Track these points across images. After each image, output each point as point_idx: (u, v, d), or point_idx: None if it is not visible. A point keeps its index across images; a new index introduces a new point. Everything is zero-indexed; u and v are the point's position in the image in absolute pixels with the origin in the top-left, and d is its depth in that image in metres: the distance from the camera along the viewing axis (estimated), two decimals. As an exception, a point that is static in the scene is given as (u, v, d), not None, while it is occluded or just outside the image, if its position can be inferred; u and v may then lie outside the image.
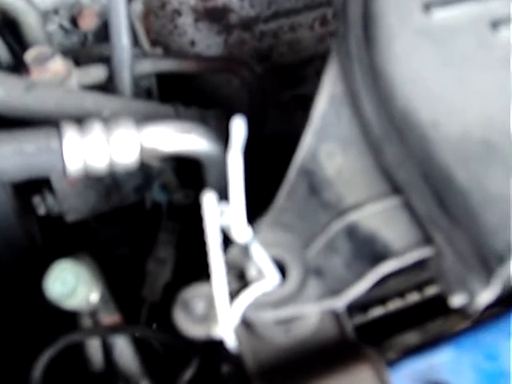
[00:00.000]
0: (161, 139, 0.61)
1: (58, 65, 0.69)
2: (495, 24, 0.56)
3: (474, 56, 0.55)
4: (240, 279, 0.52)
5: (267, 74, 0.92)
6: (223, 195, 0.69)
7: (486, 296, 0.49)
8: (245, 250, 0.52)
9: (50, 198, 0.78)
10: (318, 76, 0.93)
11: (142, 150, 0.61)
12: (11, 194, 0.72)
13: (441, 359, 0.49)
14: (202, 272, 0.63)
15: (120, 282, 0.72)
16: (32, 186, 0.79)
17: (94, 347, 0.66)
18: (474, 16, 0.56)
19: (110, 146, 0.59)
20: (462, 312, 0.52)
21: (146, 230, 0.76)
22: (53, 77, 0.69)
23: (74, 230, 0.86)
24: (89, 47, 0.84)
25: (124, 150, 0.60)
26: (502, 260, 0.46)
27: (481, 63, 0.55)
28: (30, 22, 0.72)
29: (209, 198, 0.44)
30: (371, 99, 0.54)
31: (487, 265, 0.47)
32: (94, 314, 0.65)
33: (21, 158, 0.58)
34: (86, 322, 0.67)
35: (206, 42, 0.90)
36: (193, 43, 0.90)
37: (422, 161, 0.51)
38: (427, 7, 0.55)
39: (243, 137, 0.45)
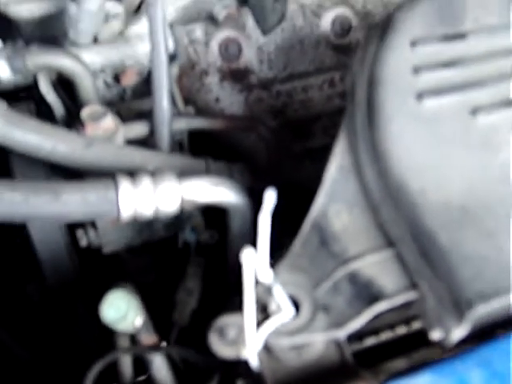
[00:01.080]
0: (197, 192, 0.74)
1: (109, 122, 0.82)
2: (474, 111, 0.70)
3: (457, 138, 0.68)
4: (263, 312, 0.64)
5: (281, 128, 1.05)
6: (244, 238, 0.82)
7: (459, 333, 0.61)
8: (267, 288, 0.65)
9: (91, 233, 0.90)
10: (325, 131, 1.07)
11: (182, 200, 0.74)
12: (64, 231, 0.84)
13: (422, 382, 0.62)
14: (223, 300, 0.75)
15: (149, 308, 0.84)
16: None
17: (127, 364, 0.79)
18: (458, 104, 0.70)
19: (156, 196, 0.72)
20: (440, 344, 0.64)
21: (175, 264, 0.89)
22: (104, 133, 0.82)
23: (106, 261, 0.98)
24: (129, 102, 0.97)
25: (167, 201, 0.72)
26: (471, 305, 0.59)
27: (462, 143, 0.68)
28: (86, 83, 0.85)
29: (248, 253, 0.56)
30: (372, 170, 0.67)
31: (460, 308, 0.60)
32: (132, 335, 0.77)
33: (83, 205, 0.70)
34: (123, 342, 0.80)
35: (229, 99, 1.03)
36: (217, 100, 1.03)
37: (411, 221, 0.64)
38: (420, 96, 0.69)
39: (273, 203, 0.57)
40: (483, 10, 0.75)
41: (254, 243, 0.75)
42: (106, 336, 0.85)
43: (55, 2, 0.82)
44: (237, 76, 1.04)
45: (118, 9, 0.82)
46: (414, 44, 0.70)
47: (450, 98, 0.69)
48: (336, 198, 0.69)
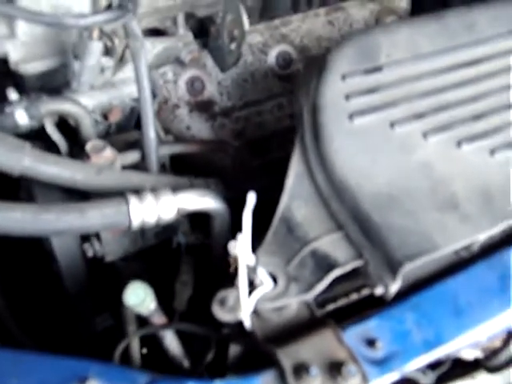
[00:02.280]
0: (189, 202, 0.95)
1: (109, 153, 1.02)
2: (392, 124, 0.94)
3: (381, 145, 0.92)
4: (250, 286, 0.85)
5: (242, 147, 1.27)
6: (225, 236, 1.03)
7: (395, 286, 0.84)
8: (252, 268, 0.86)
9: (96, 244, 1.10)
10: (279, 147, 1.30)
11: (178, 209, 0.95)
12: (79, 243, 1.04)
13: (371, 324, 0.84)
14: (212, 286, 0.95)
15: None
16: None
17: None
18: (380, 120, 0.93)
19: (158, 208, 0.93)
20: (382, 297, 0.87)
21: (168, 265, 1.09)
22: (105, 161, 1.02)
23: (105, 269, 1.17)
24: (115, 135, 1.17)
25: (167, 210, 0.93)
26: (401, 264, 0.82)
27: (385, 149, 0.92)
28: (86, 123, 1.05)
29: (239, 243, 0.77)
30: (320, 174, 0.90)
31: (393, 268, 0.83)
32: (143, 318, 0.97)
33: (101, 218, 0.90)
34: (132, 326, 0.99)
35: (198, 126, 1.25)
36: (188, 128, 1.24)
37: (352, 209, 0.87)
38: (351, 117, 0.92)
39: (253, 202, 0.79)
40: (394, 48, 1.00)
41: (232, 239, 0.97)
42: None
43: (55, 60, 1.02)
44: (202, 107, 1.26)
45: (109, 62, 1.02)
46: (343, 77, 0.94)
47: (373, 116, 0.93)
48: (296, 196, 0.91)
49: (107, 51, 1.02)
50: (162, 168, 1.13)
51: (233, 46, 1.18)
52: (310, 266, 0.86)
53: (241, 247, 0.77)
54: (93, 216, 0.89)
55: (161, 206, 0.93)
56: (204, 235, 1.09)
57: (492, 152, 0.95)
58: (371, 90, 0.95)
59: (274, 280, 0.86)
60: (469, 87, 0.99)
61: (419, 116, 0.95)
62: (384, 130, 0.93)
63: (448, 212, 0.89)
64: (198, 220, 1.08)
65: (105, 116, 1.18)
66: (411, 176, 0.91)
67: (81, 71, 0.98)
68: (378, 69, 0.97)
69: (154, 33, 1.21)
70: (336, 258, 0.86)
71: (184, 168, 1.17)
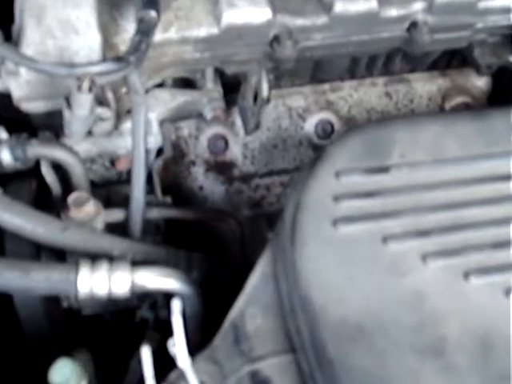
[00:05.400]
0: (147, 280, 0.87)
1: (91, 208, 0.96)
2: (386, 239, 0.79)
3: (365, 261, 0.78)
4: (176, 392, 0.75)
5: (257, 218, 1.17)
6: (191, 320, 0.93)
7: None
8: (183, 374, 0.76)
9: (71, 298, 1.04)
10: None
11: (133, 286, 0.86)
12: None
13: None
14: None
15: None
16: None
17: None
18: (371, 231, 0.80)
19: (110, 281, 0.85)
20: None
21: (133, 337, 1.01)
22: (85, 216, 0.96)
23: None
24: (119, 186, 1.11)
25: (119, 286, 0.85)
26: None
27: (368, 267, 0.78)
28: (76, 172, 0.99)
29: (146, 353, 0.68)
30: (286, 282, 0.78)
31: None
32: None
33: (48, 283, 0.84)
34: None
35: (212, 188, 1.16)
36: (201, 188, 1.16)
37: (309, 333, 0.74)
38: (335, 222, 0.79)
39: (180, 309, 0.69)
40: (412, 147, 0.86)
41: (202, 325, 0.87)
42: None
43: (56, 102, 0.97)
44: (221, 168, 1.17)
45: (107, 113, 0.96)
46: (337, 175, 0.81)
47: (363, 225, 0.79)
48: (255, 301, 0.79)
49: (106, 102, 0.96)
50: (156, 230, 1.06)
51: (255, 109, 1.08)
52: (247, 389, 0.75)
53: (146, 355, 0.68)
54: (37, 278, 0.83)
55: (114, 280, 0.85)
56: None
57: (507, 292, 0.79)
58: (368, 194, 0.81)
59: (207, 395, 0.75)
60: (493, 207, 0.82)
61: (422, 233, 0.80)
62: (373, 244, 0.79)
63: (429, 358, 0.74)
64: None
65: (113, 163, 1.13)
66: (394, 306, 0.76)
67: (71, 120, 0.93)
68: (383, 169, 0.83)
69: (183, 82, 1.14)
70: (277, 387, 0.74)
71: (185, 231, 1.09)
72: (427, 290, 0.78)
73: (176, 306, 0.70)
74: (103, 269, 0.85)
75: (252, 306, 0.79)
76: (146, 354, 0.70)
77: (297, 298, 0.76)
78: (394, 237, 0.80)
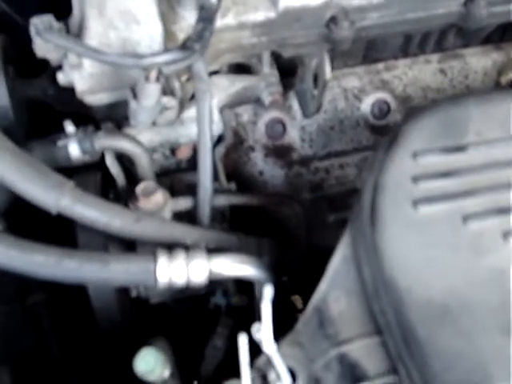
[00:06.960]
0: (224, 267, 0.87)
1: (159, 197, 0.96)
2: (466, 218, 0.79)
3: (446, 242, 0.77)
4: (263, 380, 0.76)
5: (317, 201, 1.16)
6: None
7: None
8: (269, 359, 0.76)
9: (141, 286, 1.05)
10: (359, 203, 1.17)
11: (211, 273, 0.87)
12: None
13: None
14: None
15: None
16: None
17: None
18: (450, 211, 0.79)
19: (188, 270, 0.85)
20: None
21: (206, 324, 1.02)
22: (153, 206, 0.96)
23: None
24: (182, 174, 1.11)
25: (197, 274, 0.86)
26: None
27: (450, 247, 0.77)
28: (143, 162, 1.00)
29: (243, 341, 0.68)
30: (368, 264, 0.77)
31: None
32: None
33: (127, 274, 0.85)
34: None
35: (272, 173, 1.16)
36: (261, 173, 1.16)
37: (395, 314, 0.74)
38: (415, 203, 0.78)
39: (271, 296, 0.69)
40: (487, 123, 0.84)
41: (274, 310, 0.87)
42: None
43: (120, 94, 0.97)
44: (280, 152, 1.17)
45: (172, 103, 0.96)
46: (414, 155, 0.80)
47: (443, 205, 0.79)
48: (337, 285, 0.79)
49: (170, 91, 0.96)
50: (222, 217, 1.06)
51: (315, 92, 1.07)
52: (335, 372, 0.75)
53: (243, 340, 0.68)
54: (116, 270, 0.84)
55: (192, 269, 0.85)
56: (250, 298, 1.00)
57: None
58: (447, 174, 0.80)
59: (293, 377, 0.75)
60: None
61: (502, 211, 0.79)
62: (454, 223, 0.78)
63: (515, 337, 0.73)
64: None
65: (173, 151, 1.14)
66: (477, 285, 0.75)
67: (137, 111, 0.93)
68: (460, 148, 0.82)
69: (238, 68, 1.13)
70: (365, 369, 0.74)
71: (247, 220, 1.09)
72: (509, 268, 0.77)
73: (268, 292, 0.70)
74: (180, 258, 0.85)
75: (335, 289, 0.79)
76: (243, 341, 0.70)
77: (381, 280, 0.76)
78: (474, 216, 0.79)
